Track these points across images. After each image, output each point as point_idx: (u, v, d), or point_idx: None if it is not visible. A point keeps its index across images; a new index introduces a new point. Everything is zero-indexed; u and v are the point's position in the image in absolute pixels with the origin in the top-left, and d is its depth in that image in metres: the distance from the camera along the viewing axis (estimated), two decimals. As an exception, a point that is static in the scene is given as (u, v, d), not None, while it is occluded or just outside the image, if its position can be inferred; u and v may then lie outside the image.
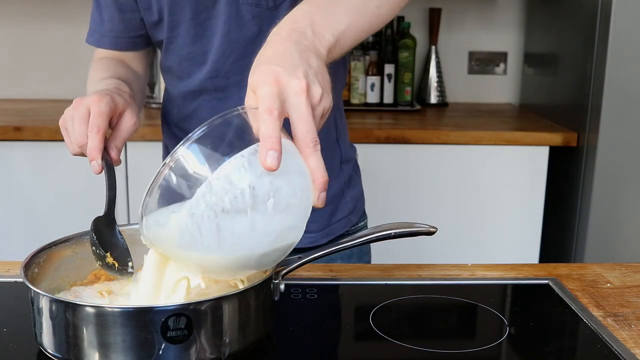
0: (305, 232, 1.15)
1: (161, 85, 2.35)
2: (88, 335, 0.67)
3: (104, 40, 1.16)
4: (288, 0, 1.05)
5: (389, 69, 2.46)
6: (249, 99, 0.69)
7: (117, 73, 1.10)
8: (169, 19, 1.08)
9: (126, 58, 1.18)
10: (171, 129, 1.20)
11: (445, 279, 0.96)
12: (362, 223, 1.26)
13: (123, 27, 1.13)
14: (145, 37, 1.16)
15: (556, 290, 0.93)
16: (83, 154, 0.91)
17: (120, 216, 2.10)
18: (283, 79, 0.67)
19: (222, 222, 0.65)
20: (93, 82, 1.08)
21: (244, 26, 1.05)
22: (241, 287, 0.74)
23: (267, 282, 0.75)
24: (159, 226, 0.69)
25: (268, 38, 0.74)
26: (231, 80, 1.09)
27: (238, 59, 1.07)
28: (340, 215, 1.20)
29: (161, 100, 2.32)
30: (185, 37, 1.08)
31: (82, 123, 0.89)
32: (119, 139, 0.94)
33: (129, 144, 2.01)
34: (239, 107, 0.69)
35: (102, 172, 0.87)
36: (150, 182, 0.69)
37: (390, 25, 2.48)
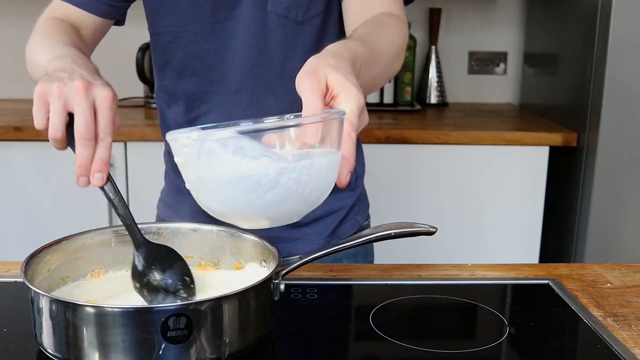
0: (315, 237, 1.16)
1: (161, 85, 2.34)
2: (88, 335, 0.67)
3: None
4: (317, 18, 1.04)
5: (389, 69, 2.46)
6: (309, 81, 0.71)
7: (81, 49, 0.94)
8: (182, 12, 1.04)
9: (83, 30, 1.05)
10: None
11: (445, 279, 0.96)
12: (366, 222, 1.26)
13: None
14: (123, 10, 1.08)
15: (556, 290, 0.93)
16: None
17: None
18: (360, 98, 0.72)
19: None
20: (53, 42, 0.93)
21: (268, 35, 1.04)
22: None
23: (267, 282, 0.75)
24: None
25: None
26: (244, 86, 1.07)
27: (255, 65, 1.05)
28: (348, 219, 1.21)
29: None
30: (199, 33, 1.05)
31: (84, 114, 0.73)
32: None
33: (128, 144, 2.00)
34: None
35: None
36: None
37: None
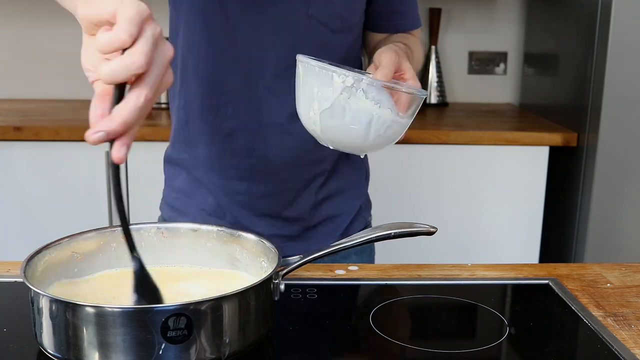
0: (327, 236, 1.17)
1: (161, 85, 2.34)
2: (88, 335, 0.67)
3: None
4: (347, 30, 1.07)
5: (389, 69, 2.46)
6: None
7: None
8: (221, 2, 1.03)
9: None
10: (197, 123, 1.11)
11: (445, 279, 0.96)
12: (370, 218, 1.27)
13: None
14: None
15: (556, 290, 0.93)
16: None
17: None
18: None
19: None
20: None
21: (305, 39, 1.03)
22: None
23: (267, 282, 0.75)
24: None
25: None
26: (275, 84, 1.05)
27: (290, 66, 1.01)
28: (357, 218, 1.22)
29: (162, 101, 2.30)
30: (238, 24, 1.03)
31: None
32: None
33: (129, 144, 1.99)
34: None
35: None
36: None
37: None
